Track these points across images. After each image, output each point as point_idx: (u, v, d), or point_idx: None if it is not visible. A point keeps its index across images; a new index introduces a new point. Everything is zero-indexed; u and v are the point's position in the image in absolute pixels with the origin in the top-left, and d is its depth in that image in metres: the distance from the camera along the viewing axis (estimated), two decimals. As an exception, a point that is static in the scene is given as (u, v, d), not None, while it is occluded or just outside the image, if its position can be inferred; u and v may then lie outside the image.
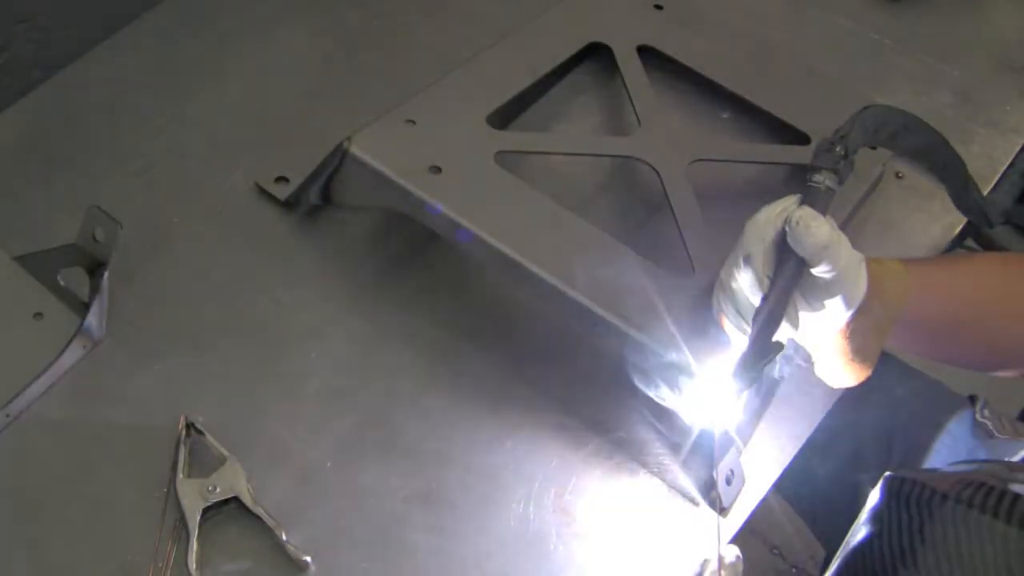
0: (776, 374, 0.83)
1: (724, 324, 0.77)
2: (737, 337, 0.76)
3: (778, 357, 0.73)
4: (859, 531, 0.77)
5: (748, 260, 0.71)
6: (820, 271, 0.70)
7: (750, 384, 0.73)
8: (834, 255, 0.70)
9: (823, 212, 0.71)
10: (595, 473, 0.85)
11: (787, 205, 0.72)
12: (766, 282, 0.71)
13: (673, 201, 0.90)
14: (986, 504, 0.67)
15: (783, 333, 0.72)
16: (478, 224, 0.85)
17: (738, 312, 0.74)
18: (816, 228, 0.69)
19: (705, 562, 0.81)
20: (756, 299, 0.72)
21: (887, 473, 0.77)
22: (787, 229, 0.69)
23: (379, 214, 0.96)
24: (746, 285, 0.73)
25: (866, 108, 0.77)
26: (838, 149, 0.73)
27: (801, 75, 1.10)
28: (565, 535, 0.81)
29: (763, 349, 0.71)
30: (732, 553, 0.80)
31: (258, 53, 1.08)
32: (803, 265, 0.70)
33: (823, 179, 0.73)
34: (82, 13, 1.03)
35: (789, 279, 0.70)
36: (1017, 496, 0.66)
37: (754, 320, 0.72)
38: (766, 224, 0.71)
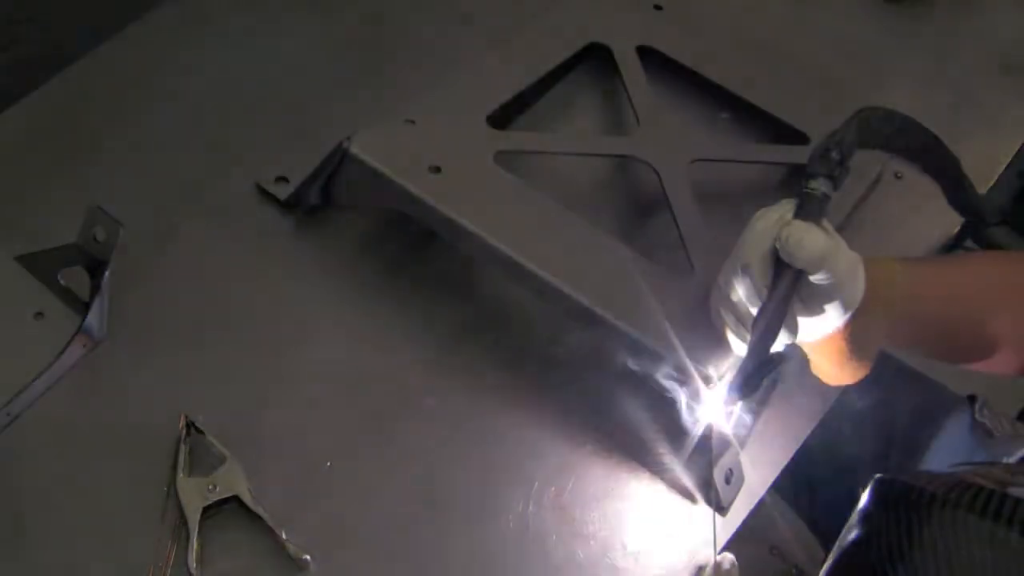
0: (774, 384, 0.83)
1: (725, 332, 0.77)
2: (737, 344, 0.76)
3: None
4: (850, 532, 0.77)
5: (746, 270, 0.71)
6: (818, 278, 0.70)
7: (750, 394, 0.73)
8: (831, 262, 0.69)
9: (819, 219, 0.71)
10: (595, 473, 0.85)
11: (784, 212, 0.72)
12: (765, 292, 0.71)
13: (673, 201, 0.90)
14: (974, 505, 0.67)
15: (781, 340, 0.72)
16: (478, 224, 0.85)
17: (738, 321, 0.74)
18: (809, 242, 0.68)
19: (700, 568, 0.81)
20: (755, 309, 0.72)
21: (876, 475, 0.77)
22: (778, 246, 0.69)
23: (379, 214, 0.96)
24: (745, 295, 0.72)
25: (860, 111, 0.77)
26: (833, 154, 0.73)
27: (800, 75, 1.10)
28: (564, 535, 0.81)
29: (762, 359, 0.71)
30: (728, 559, 0.80)
31: (258, 53, 1.08)
32: (801, 273, 0.70)
33: (818, 185, 0.72)
34: (83, 13, 1.04)
35: (787, 288, 0.70)
36: (1005, 496, 0.66)
37: (753, 329, 0.72)
38: (763, 233, 0.71)
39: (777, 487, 0.89)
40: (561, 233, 0.87)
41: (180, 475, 0.78)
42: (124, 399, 0.83)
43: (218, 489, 0.78)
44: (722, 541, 0.83)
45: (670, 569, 0.81)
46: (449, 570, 0.79)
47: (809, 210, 0.71)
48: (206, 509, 0.77)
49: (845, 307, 0.72)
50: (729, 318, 0.75)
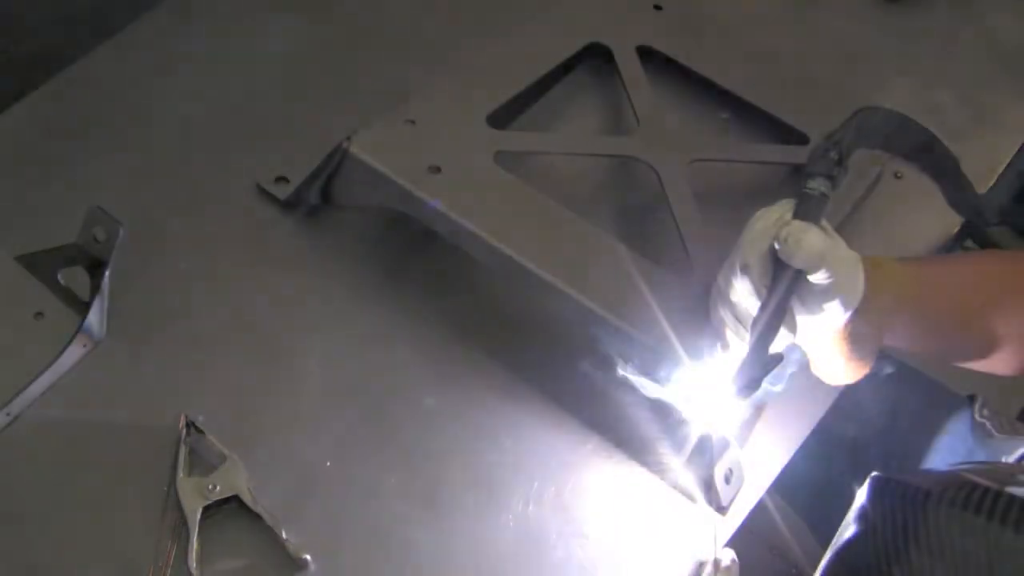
0: (775, 386, 0.83)
1: (725, 332, 0.77)
2: (737, 344, 0.76)
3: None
4: (846, 529, 0.77)
5: (745, 270, 0.71)
6: (817, 278, 0.70)
7: (750, 394, 0.73)
8: (830, 262, 0.69)
9: (817, 219, 0.71)
10: (595, 472, 0.85)
11: (783, 212, 0.72)
12: (764, 292, 0.71)
13: (672, 201, 0.90)
14: (968, 501, 0.67)
15: (781, 340, 0.72)
16: (478, 224, 0.85)
17: (738, 320, 0.74)
18: (807, 242, 0.68)
19: (701, 564, 0.81)
20: (755, 308, 0.72)
21: (873, 473, 0.77)
22: (776, 246, 0.69)
23: (379, 214, 0.96)
24: (744, 294, 0.72)
25: (859, 111, 0.77)
26: (832, 154, 0.73)
27: (800, 75, 1.10)
28: (565, 534, 0.81)
29: (762, 359, 0.71)
30: (728, 556, 0.80)
31: (258, 53, 1.08)
32: (800, 273, 0.70)
33: (817, 185, 0.72)
34: (82, 14, 1.04)
35: (786, 288, 0.70)
36: (1000, 493, 0.66)
37: (752, 329, 0.72)
38: (762, 233, 0.71)
39: (777, 487, 0.89)
40: (561, 233, 0.87)
41: (180, 475, 0.78)
42: (124, 399, 0.83)
43: (218, 489, 0.78)
44: (722, 541, 0.83)
45: (670, 569, 0.81)
46: (449, 570, 0.79)
47: (808, 210, 0.71)
48: (206, 509, 0.77)
49: (844, 306, 0.72)
50: (729, 318, 0.75)
